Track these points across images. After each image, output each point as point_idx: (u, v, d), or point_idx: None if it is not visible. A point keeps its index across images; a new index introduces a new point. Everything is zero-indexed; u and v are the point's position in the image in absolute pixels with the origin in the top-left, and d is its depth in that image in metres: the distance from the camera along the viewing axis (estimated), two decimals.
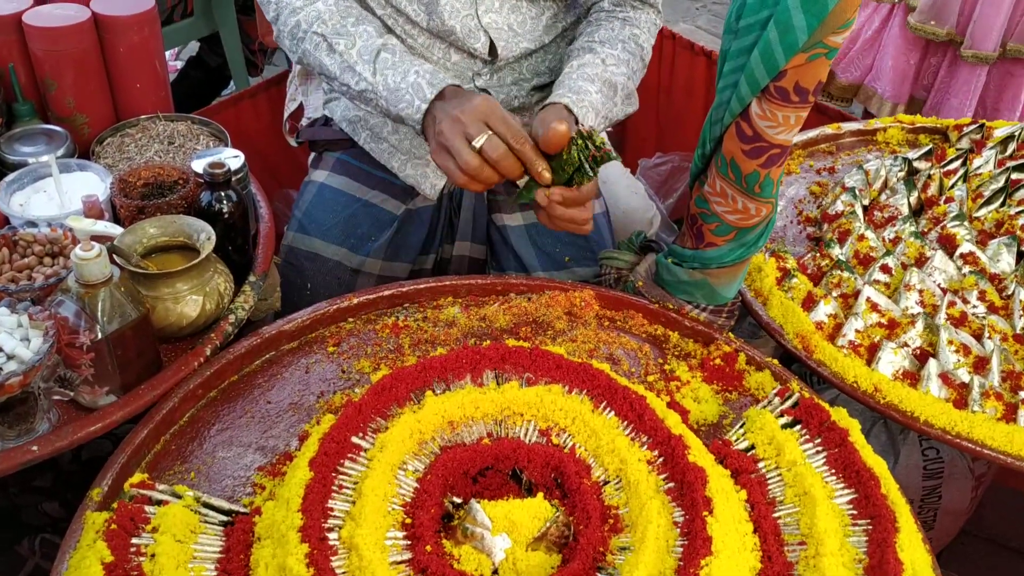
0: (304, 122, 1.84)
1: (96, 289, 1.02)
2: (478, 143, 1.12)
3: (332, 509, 0.90)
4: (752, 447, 1.02)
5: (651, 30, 1.46)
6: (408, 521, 0.90)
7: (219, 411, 1.09)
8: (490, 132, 1.13)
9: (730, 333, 1.21)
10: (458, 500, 0.96)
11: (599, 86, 1.33)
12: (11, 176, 1.24)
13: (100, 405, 1.06)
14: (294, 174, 2.10)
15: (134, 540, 0.88)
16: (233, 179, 1.22)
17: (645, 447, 0.98)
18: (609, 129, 1.61)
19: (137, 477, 0.94)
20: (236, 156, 1.30)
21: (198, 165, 1.27)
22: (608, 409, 1.02)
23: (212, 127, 1.45)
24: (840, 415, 1.03)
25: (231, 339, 1.18)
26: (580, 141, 1.10)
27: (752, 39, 1.00)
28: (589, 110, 1.30)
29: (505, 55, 1.44)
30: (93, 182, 1.27)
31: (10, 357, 0.97)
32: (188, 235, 1.18)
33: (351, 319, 1.23)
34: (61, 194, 1.22)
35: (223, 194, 1.21)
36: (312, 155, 1.66)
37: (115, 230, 1.01)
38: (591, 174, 1.11)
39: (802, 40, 0.95)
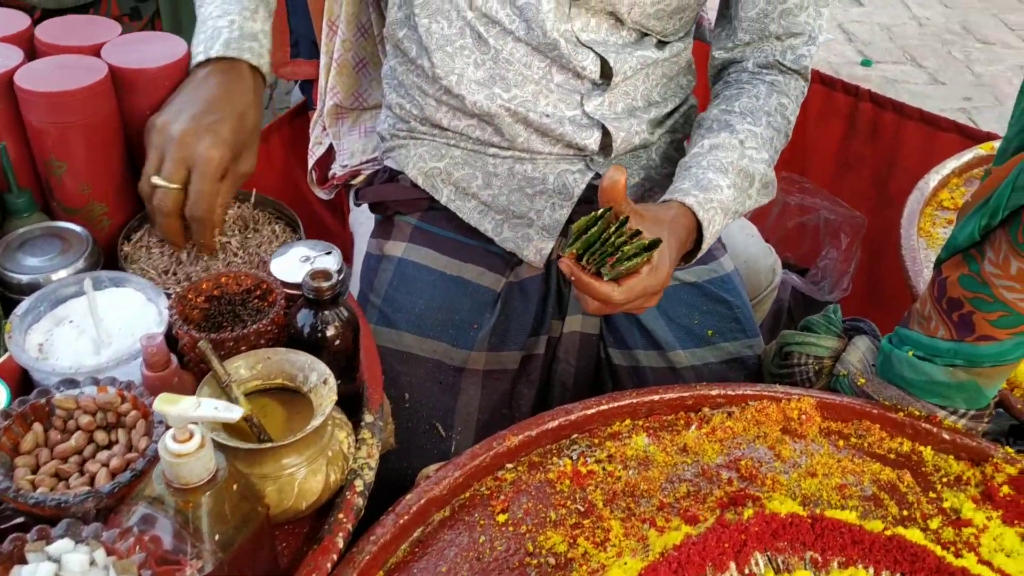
0: (336, 169, 1.52)
1: (199, 494, 0.69)
2: (155, 181, 0.94)
3: None
4: None
5: (799, 100, 1.20)
6: None
7: None
8: (175, 186, 0.94)
9: (1007, 447, 0.94)
10: None
11: (732, 178, 1.07)
12: (23, 305, 0.88)
13: None
14: (318, 234, 1.75)
15: None
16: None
17: None
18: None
19: None
20: (328, 253, 0.97)
21: (283, 270, 0.94)
22: None
23: (267, 202, 1.11)
24: None
25: (361, 515, 0.86)
26: (606, 233, 0.88)
27: None
28: (718, 211, 1.04)
29: (620, 70, 1.16)
30: (136, 304, 0.92)
31: None
32: (290, 375, 0.85)
33: (510, 465, 0.92)
34: (98, 326, 0.88)
35: (329, 314, 0.88)
36: (374, 220, 1.33)
37: (234, 413, 0.68)
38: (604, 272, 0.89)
39: None
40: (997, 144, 1.47)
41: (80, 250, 0.96)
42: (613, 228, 0.87)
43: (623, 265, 0.87)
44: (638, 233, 0.87)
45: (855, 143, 1.91)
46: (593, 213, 0.88)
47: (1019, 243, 0.83)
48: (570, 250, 0.89)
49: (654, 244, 0.88)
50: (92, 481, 0.75)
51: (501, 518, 0.86)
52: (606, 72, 1.17)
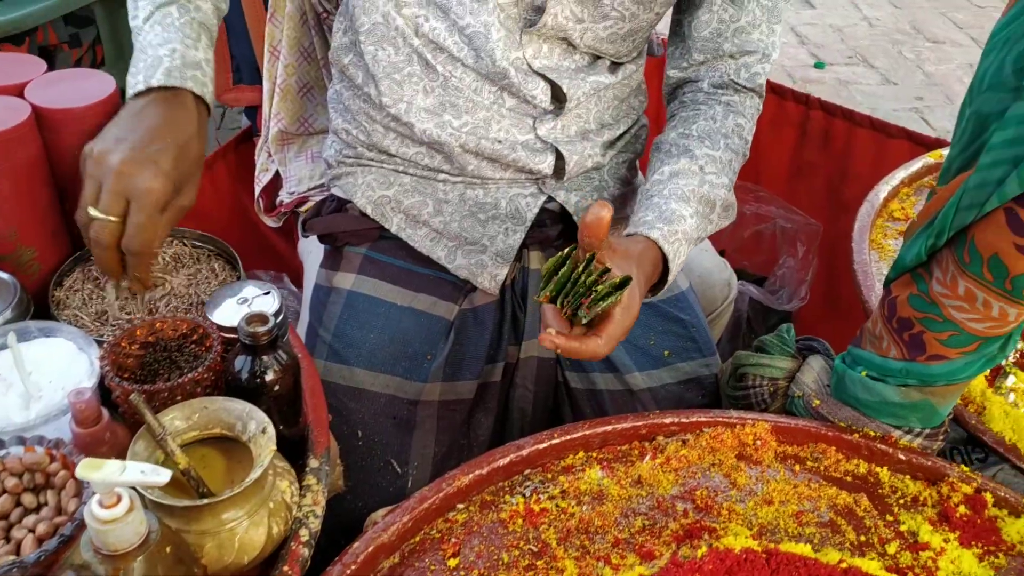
0: (284, 196, 1.49)
1: (130, 560, 0.66)
2: (93, 213, 0.90)
3: None
4: None
5: (754, 118, 1.19)
6: None
7: None
8: (114, 219, 0.90)
9: (963, 465, 0.93)
10: None
11: (695, 206, 1.06)
12: None
13: None
14: (270, 260, 1.72)
15: None
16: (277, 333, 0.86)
17: None
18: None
19: None
20: (266, 293, 0.94)
21: (220, 313, 0.91)
22: None
23: (205, 239, 1.08)
24: None
25: (307, 566, 0.83)
26: (576, 271, 0.85)
27: None
28: (682, 243, 1.03)
29: (573, 96, 1.14)
30: (66, 354, 0.88)
31: None
32: (229, 425, 0.82)
33: (462, 505, 0.90)
34: (26, 380, 0.84)
35: (267, 359, 0.85)
36: (323, 249, 1.30)
37: (161, 476, 0.65)
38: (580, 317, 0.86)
39: None
40: (945, 152, 1.48)
41: (7, 299, 0.93)
42: (581, 267, 0.85)
43: (598, 306, 0.85)
44: (607, 271, 0.85)
45: (807, 151, 1.91)
46: (559, 253, 0.86)
47: (965, 263, 0.82)
48: (544, 293, 0.87)
49: (624, 282, 0.86)
50: (18, 549, 0.71)
51: (452, 563, 0.84)
52: (558, 97, 1.15)
